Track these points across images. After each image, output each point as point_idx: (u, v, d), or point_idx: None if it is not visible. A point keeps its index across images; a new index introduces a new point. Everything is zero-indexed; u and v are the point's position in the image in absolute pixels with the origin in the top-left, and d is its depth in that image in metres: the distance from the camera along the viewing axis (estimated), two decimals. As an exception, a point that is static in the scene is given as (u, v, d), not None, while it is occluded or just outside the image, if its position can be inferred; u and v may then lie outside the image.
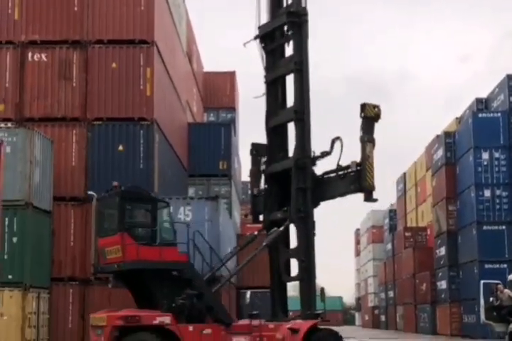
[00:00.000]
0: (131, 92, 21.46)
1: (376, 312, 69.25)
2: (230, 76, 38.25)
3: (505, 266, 32.87)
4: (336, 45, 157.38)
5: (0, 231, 14.30)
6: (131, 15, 21.86)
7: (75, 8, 21.97)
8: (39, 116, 21.41)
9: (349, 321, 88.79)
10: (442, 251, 42.28)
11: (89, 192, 18.04)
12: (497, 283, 21.35)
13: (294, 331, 15.88)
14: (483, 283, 22.06)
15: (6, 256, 17.82)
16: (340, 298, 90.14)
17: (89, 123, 21.41)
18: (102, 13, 21.92)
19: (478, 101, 41.30)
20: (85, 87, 21.55)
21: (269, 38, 18.82)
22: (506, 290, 20.84)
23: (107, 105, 21.49)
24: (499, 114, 36.99)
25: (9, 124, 20.57)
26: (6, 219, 17.98)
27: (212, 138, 29.34)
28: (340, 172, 17.36)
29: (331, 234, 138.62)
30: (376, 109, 16.88)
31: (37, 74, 21.66)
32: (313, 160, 17.63)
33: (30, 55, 21.70)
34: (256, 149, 18.82)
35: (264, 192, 18.52)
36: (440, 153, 42.31)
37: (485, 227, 36.14)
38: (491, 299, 21.29)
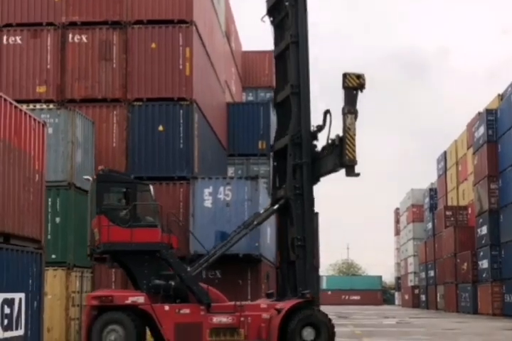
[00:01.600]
0: (170, 72, 21.47)
1: (416, 291, 69.10)
2: (269, 55, 37.81)
3: (549, 244, 32.57)
4: (374, 21, 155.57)
5: (43, 212, 14.59)
6: (170, -6, 21.80)
7: (114, -11, 21.98)
8: (80, 97, 21.56)
9: (389, 300, 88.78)
10: (484, 230, 41.97)
11: (85, 177, 18.20)
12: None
13: (278, 311, 15.65)
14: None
15: (49, 236, 18.09)
16: (379, 277, 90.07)
17: (129, 104, 21.51)
18: (140, -6, 21.88)
19: (521, 77, 40.64)
20: (125, 67, 21.60)
21: (276, 11, 18.21)
22: None
23: (147, 85, 21.54)
24: (543, 91, 36.45)
25: (51, 106, 20.73)
26: (49, 199, 18.21)
27: (251, 118, 29.23)
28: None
29: (371, 213, 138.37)
30: (360, 79, 16.16)
31: (77, 56, 21.77)
32: (313, 134, 17.15)
33: (70, 36, 21.80)
34: None
35: (273, 170, 18.30)
36: (482, 130, 41.85)
37: (528, 206, 35.78)
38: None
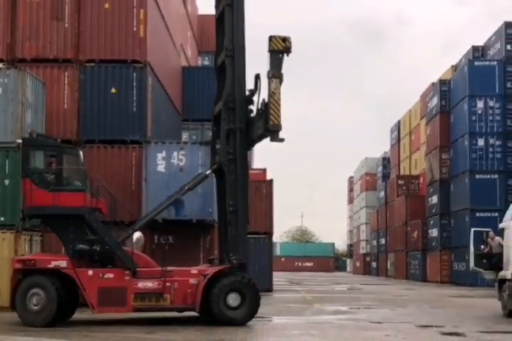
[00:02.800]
0: (124, 34, 21.08)
1: (367, 259, 70.08)
2: (226, 19, 37.54)
3: (497, 214, 33.12)
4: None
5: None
6: (124, -46, 21.30)
7: None
8: (31, 57, 21.08)
9: (341, 267, 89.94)
10: (434, 199, 42.55)
11: (18, 140, 17.93)
12: (488, 231, 21.39)
13: (205, 276, 15.66)
14: (474, 231, 22.10)
15: (-3, 199, 17.80)
16: (332, 245, 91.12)
17: (81, 65, 21.11)
18: (94, -48, 21.35)
19: (475, 49, 40.97)
20: (78, 27, 21.14)
21: None
22: (497, 238, 20.89)
23: (100, 46, 21.14)
24: (495, 63, 36.82)
25: (0, 65, 20.23)
26: (-2, 160, 17.89)
27: (207, 82, 28.86)
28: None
29: (325, 181, 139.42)
30: (286, 42, 15.81)
31: (29, 15, 21.23)
32: (247, 99, 16.81)
33: (21, -6, 21.23)
34: None
35: (212, 134, 18.04)
36: (435, 101, 42.18)
37: (477, 176, 36.33)
38: (481, 247, 21.39)
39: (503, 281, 19.38)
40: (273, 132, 15.90)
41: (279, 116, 15.75)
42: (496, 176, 36.24)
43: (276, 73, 15.84)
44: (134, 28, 21.07)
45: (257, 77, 16.44)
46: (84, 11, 21.20)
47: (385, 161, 65.46)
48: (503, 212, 22.38)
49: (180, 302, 15.59)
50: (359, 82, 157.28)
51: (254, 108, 16.77)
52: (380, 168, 66.53)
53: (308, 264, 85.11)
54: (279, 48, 15.88)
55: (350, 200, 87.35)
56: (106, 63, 21.11)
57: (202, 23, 36.74)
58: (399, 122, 59.51)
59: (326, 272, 77.99)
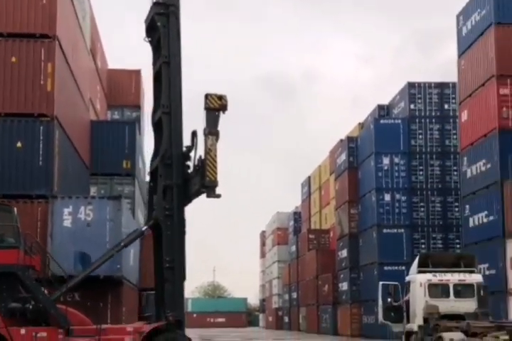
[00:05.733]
0: (30, 87, 20.88)
1: (280, 313, 69.89)
2: (135, 74, 37.69)
3: (404, 268, 33.72)
4: (240, 45, 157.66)
5: None
6: (33, 8, 21.27)
7: (-26, 0, 21.21)
8: None
9: (253, 322, 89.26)
10: (344, 253, 43.08)
11: None
12: (395, 284, 21.76)
13: (141, 334, 15.54)
14: (382, 284, 22.46)
15: None
16: (244, 300, 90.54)
17: (-15, 119, 20.72)
18: (1, 6, 21.25)
19: (380, 107, 42.43)
20: (-17, 81, 20.83)
21: (153, 31, 17.83)
22: None
23: (6, 100, 20.84)
24: (399, 121, 38.18)
25: None
26: None
27: (116, 137, 28.78)
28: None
29: (237, 235, 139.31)
30: (222, 100, 16.28)
31: None
32: (185, 155, 17.06)
33: None
34: None
35: (148, 190, 18.14)
36: (343, 157, 43.16)
37: (385, 230, 37.14)
38: (389, 300, 21.70)
39: (409, 333, 19.68)
40: (210, 188, 16.13)
41: (215, 173, 16.04)
42: (403, 230, 37.11)
43: (212, 130, 16.17)
44: (42, 82, 20.89)
45: (194, 134, 16.69)
46: (-10, 63, 20.91)
47: (297, 215, 66.12)
48: (409, 265, 22.82)
49: None
50: (274, 136, 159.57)
51: (191, 164, 16.93)
52: (292, 222, 67.09)
53: (221, 320, 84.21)
54: (215, 106, 16.23)
55: (263, 255, 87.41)
56: (12, 117, 20.80)
57: (111, 78, 36.74)
58: (309, 177, 60.45)
59: (239, 327, 77.27)
